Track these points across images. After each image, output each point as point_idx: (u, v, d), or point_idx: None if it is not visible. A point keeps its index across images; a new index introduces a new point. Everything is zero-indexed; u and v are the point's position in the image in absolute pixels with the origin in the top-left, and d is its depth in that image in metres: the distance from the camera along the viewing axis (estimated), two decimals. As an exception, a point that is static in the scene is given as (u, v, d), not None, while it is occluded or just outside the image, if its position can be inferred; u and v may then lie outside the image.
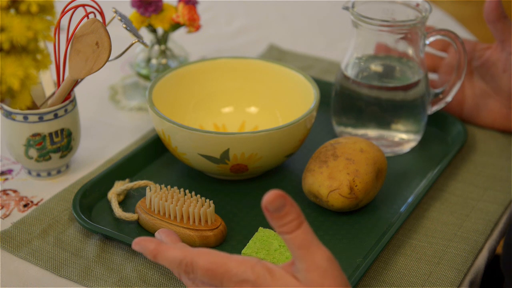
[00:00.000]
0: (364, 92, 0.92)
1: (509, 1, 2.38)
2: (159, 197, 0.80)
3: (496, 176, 0.91)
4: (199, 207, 0.78)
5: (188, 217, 0.79)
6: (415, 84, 0.92)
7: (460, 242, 0.81)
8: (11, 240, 0.80)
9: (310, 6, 1.35)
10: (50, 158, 0.87)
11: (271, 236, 0.77)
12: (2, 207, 0.85)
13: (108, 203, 0.85)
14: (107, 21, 0.85)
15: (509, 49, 0.93)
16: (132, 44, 0.85)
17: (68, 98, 0.86)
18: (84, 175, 0.90)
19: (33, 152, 0.86)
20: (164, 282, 0.75)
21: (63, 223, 0.82)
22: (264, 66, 0.96)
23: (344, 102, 0.94)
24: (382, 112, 0.92)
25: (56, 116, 0.85)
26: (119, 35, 1.00)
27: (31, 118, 0.84)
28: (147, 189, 0.81)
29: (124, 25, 0.85)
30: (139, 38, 0.86)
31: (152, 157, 0.92)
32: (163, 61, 1.04)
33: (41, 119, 0.84)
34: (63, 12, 0.83)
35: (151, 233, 0.80)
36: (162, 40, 1.03)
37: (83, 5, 0.83)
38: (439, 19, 1.28)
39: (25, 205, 0.86)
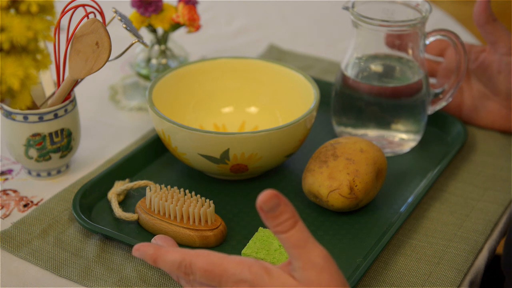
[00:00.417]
0: (364, 92, 0.92)
1: (509, 1, 2.38)
2: (159, 197, 0.80)
3: (496, 176, 0.91)
4: (199, 207, 0.78)
5: (188, 217, 0.79)
6: (415, 84, 0.92)
7: (460, 242, 0.81)
8: (11, 240, 0.80)
9: (310, 6, 1.35)
10: (50, 158, 0.87)
11: (271, 236, 0.77)
12: (2, 207, 0.85)
13: (108, 203, 0.85)
14: (107, 21, 0.85)
15: (501, 51, 0.93)
16: (132, 44, 0.85)
17: (68, 98, 0.86)
18: (84, 175, 0.90)
19: (33, 152, 0.86)
20: (164, 282, 0.75)
21: (63, 223, 0.82)
22: (264, 66, 0.96)
23: (344, 102, 0.94)
24: (382, 112, 0.92)
25: (56, 116, 0.85)
26: (119, 35, 1.00)
27: (31, 118, 0.84)
28: (147, 189, 0.81)
29: (124, 25, 0.85)
30: (139, 38, 0.86)
31: (152, 157, 0.92)
32: (163, 61, 1.04)
33: (41, 119, 0.84)
34: (63, 12, 0.83)
35: (151, 233, 0.80)
36: (162, 40, 1.03)
37: (83, 5, 0.83)
38: (439, 19, 1.28)
39: (25, 205, 0.86)
